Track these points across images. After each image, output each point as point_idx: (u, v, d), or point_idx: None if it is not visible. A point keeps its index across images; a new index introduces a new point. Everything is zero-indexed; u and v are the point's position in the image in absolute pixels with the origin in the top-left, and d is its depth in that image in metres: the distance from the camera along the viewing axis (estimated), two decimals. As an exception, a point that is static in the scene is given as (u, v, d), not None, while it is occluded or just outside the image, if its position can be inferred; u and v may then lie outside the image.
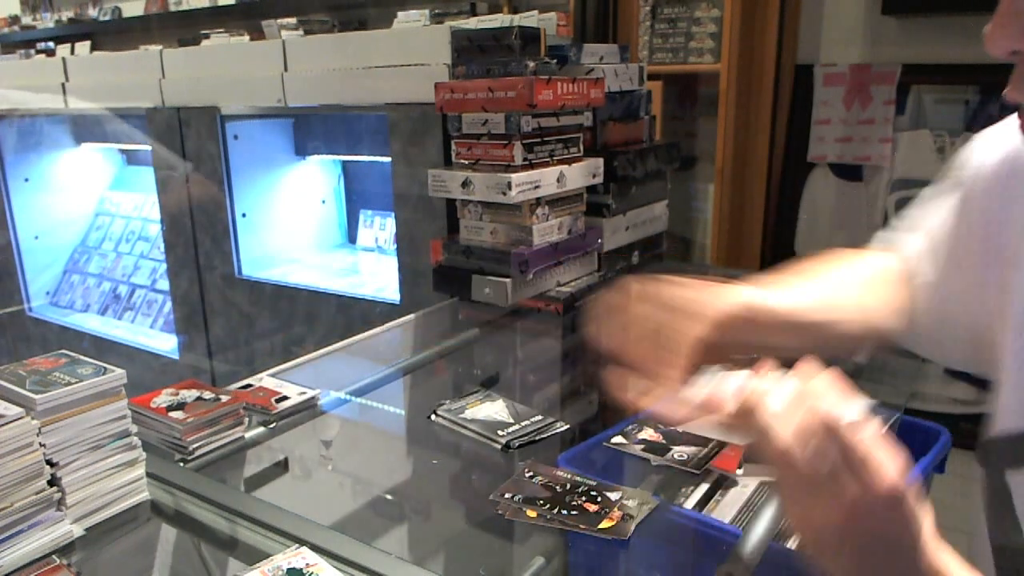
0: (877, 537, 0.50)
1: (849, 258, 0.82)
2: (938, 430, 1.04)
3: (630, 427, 1.03)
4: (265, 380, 1.14)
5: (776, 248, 2.28)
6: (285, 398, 1.08)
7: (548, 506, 0.83)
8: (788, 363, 0.57)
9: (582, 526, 0.80)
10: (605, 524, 0.80)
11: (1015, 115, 0.59)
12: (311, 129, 2.41)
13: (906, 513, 0.50)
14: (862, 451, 0.49)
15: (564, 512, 0.82)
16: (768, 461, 0.52)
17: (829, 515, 0.50)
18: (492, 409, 1.09)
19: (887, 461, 0.50)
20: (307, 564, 0.68)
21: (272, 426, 1.03)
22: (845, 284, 0.79)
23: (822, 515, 0.50)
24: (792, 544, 0.82)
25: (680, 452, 0.96)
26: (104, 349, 2.77)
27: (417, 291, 1.85)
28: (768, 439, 0.51)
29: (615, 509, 0.82)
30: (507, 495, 0.86)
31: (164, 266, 2.61)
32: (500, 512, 0.83)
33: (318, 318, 2.12)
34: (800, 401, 0.52)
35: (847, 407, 0.51)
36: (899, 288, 0.80)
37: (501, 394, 1.13)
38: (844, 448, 0.49)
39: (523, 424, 1.04)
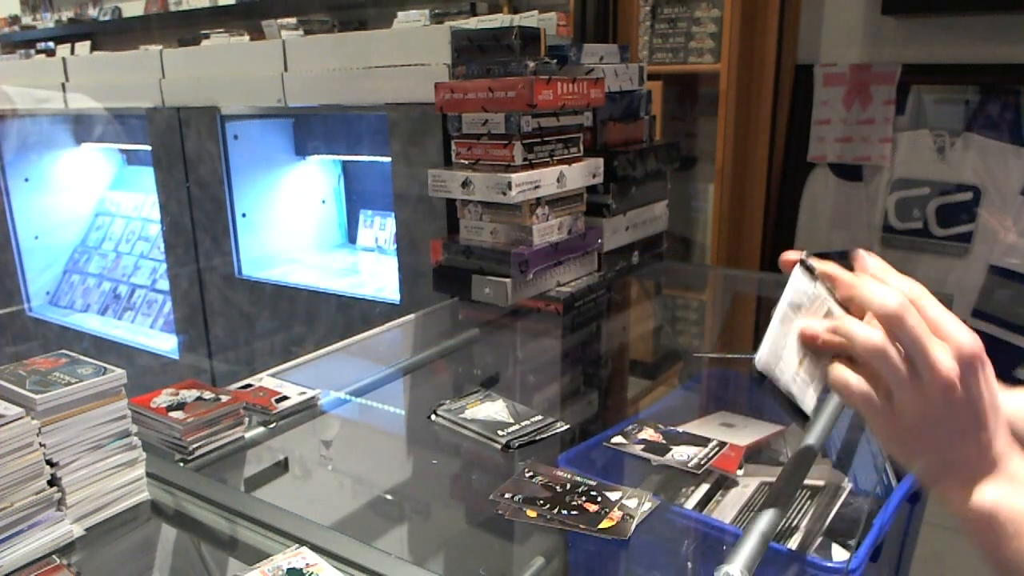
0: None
1: None
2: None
3: (630, 427, 1.03)
4: (265, 380, 1.14)
5: (776, 248, 2.28)
6: (285, 398, 1.08)
7: (548, 506, 0.83)
8: None
9: (582, 526, 0.80)
10: (605, 524, 0.80)
11: None
12: (311, 129, 2.41)
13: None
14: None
15: (564, 512, 0.82)
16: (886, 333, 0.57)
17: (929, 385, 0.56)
18: (492, 409, 1.09)
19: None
20: (307, 564, 0.68)
21: (272, 426, 1.03)
22: None
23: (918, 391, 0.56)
24: (794, 543, 0.82)
25: (680, 452, 0.96)
26: (104, 349, 2.77)
27: (417, 291, 1.85)
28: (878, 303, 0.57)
29: (615, 509, 0.82)
30: (507, 495, 0.86)
31: (164, 266, 2.61)
32: (500, 512, 0.83)
33: (318, 318, 2.12)
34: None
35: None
36: None
37: (501, 394, 1.13)
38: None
39: (523, 424, 1.04)
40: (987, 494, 0.56)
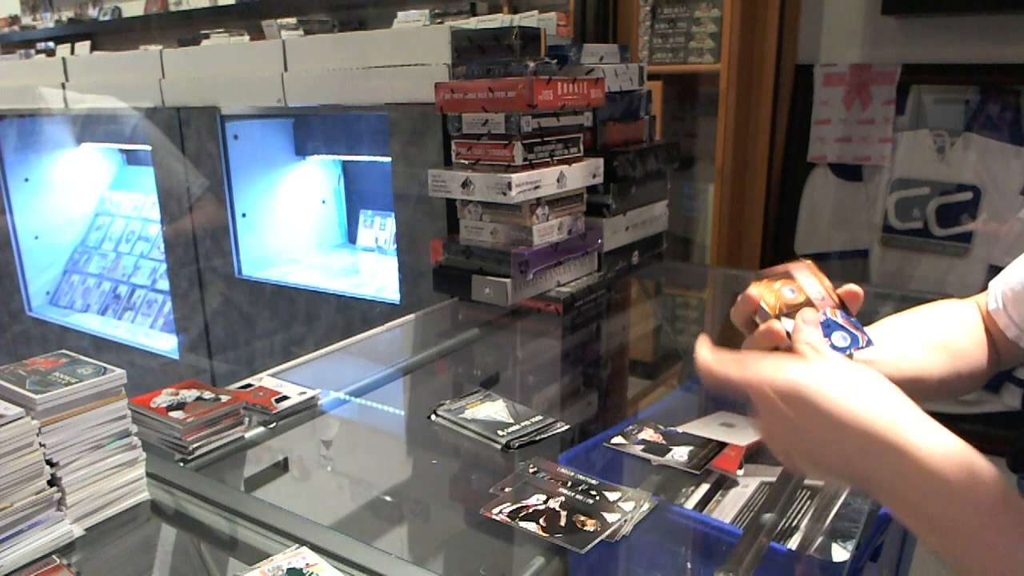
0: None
1: (939, 311, 0.86)
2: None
3: (630, 427, 1.03)
4: (265, 380, 1.14)
5: (776, 248, 2.28)
6: (285, 398, 1.08)
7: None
8: None
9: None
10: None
11: None
12: (311, 129, 2.41)
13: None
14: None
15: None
16: None
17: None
18: (492, 409, 1.09)
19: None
20: (307, 564, 0.68)
21: (272, 426, 1.03)
22: (937, 339, 0.82)
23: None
24: (794, 543, 0.82)
25: (680, 452, 0.96)
26: (104, 349, 2.77)
27: (417, 291, 1.85)
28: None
29: (615, 509, 0.82)
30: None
31: (164, 266, 2.61)
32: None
33: (318, 318, 2.12)
34: None
35: None
36: (980, 328, 0.84)
37: (501, 394, 1.13)
38: None
39: (523, 424, 1.04)
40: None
